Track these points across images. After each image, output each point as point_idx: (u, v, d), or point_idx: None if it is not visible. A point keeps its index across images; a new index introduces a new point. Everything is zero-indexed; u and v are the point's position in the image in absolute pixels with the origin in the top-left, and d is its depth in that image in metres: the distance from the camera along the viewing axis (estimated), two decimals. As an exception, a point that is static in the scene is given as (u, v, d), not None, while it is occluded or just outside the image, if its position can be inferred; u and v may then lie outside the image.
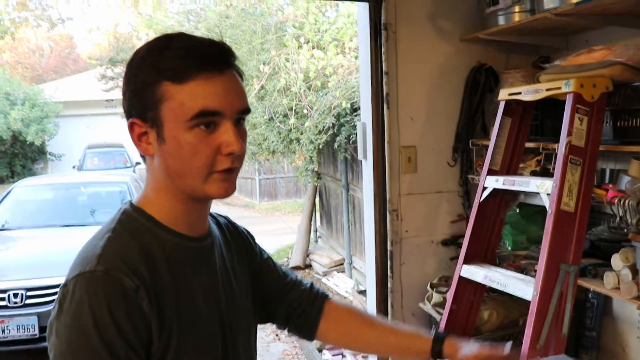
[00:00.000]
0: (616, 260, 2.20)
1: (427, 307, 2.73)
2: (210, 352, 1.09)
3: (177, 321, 1.03)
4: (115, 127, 16.24)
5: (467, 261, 2.42)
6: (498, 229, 2.53)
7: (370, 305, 3.05)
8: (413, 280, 2.94)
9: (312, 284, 1.41)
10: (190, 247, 1.09)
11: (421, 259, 2.98)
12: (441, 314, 2.50)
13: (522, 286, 2.09)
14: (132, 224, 1.06)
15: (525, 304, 2.14)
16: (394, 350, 1.38)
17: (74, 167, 14.82)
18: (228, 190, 1.05)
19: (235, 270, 1.22)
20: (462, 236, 2.70)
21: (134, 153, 14.68)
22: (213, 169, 1.02)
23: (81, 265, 0.99)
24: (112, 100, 16.17)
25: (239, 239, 1.29)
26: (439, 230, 3.02)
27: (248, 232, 1.35)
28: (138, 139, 1.05)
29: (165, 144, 1.01)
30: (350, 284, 6.35)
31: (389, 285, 2.89)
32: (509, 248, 2.81)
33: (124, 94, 1.06)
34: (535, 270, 2.12)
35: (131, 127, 1.05)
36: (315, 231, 8.69)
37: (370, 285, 3.03)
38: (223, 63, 1.03)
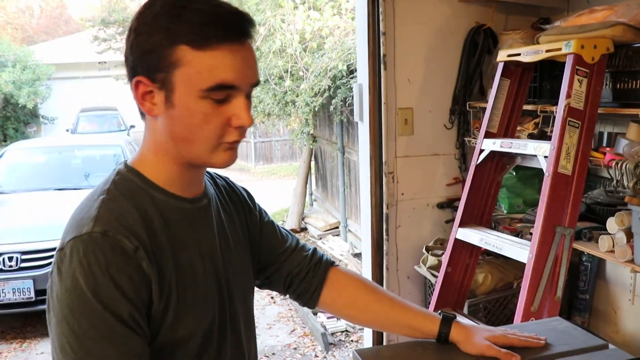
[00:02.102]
0: (611, 224, 2.20)
1: (423, 270, 2.73)
2: (207, 312, 1.09)
3: (176, 282, 1.02)
4: (109, 90, 16.10)
5: (463, 224, 2.41)
6: (494, 192, 2.52)
7: (365, 268, 3.06)
8: (408, 243, 2.95)
9: (315, 249, 1.37)
10: (185, 209, 1.08)
11: (417, 221, 2.98)
12: (436, 277, 2.51)
13: (517, 249, 2.09)
14: (126, 185, 1.04)
15: (520, 266, 2.15)
16: (399, 328, 1.31)
17: (67, 130, 14.69)
18: (232, 160, 1.04)
19: (233, 231, 1.20)
20: (458, 199, 2.70)
21: (128, 116, 14.60)
22: (221, 140, 1.00)
23: (77, 228, 0.97)
24: (105, 62, 15.96)
25: (236, 200, 1.26)
26: (435, 193, 3.01)
27: (247, 192, 1.32)
28: (142, 97, 1.01)
29: (174, 109, 0.99)
30: (346, 247, 6.38)
31: (385, 248, 2.90)
32: (505, 211, 2.81)
33: (131, 50, 1.00)
34: (531, 233, 2.12)
35: (136, 85, 1.00)
36: (311, 194, 8.70)
37: (366, 248, 3.04)
38: (245, 33, 0.99)
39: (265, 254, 1.30)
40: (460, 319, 1.27)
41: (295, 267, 1.32)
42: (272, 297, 5.50)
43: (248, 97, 1.02)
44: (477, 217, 2.46)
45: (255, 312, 4.39)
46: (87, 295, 0.91)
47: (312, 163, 8.36)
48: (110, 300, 0.92)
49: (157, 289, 0.98)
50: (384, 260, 2.89)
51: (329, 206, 7.77)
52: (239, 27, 0.98)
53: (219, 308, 1.11)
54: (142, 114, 1.05)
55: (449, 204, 2.98)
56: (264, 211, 1.35)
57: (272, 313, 5.14)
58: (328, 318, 4.51)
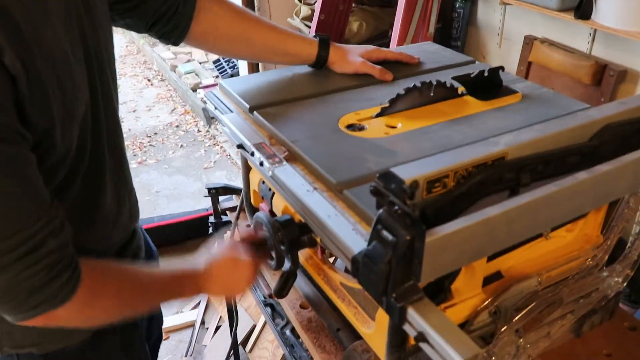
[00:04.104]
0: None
1: (296, 22, 2.62)
2: (82, 100, 0.84)
3: (48, 74, 0.75)
4: None
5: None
6: None
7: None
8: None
9: None
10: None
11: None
12: (310, 27, 2.41)
13: (390, -15, 2.00)
14: None
15: (395, 14, 2.08)
16: (277, 56, 1.21)
17: None
18: None
19: None
20: (331, -55, 2.51)
21: None
22: None
23: None
24: None
25: None
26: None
27: None
28: None
29: None
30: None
31: (256, 4, 2.72)
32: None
33: None
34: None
35: None
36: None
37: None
38: None
39: None
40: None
41: (162, 3, 1.06)
42: (148, 80, 5.27)
43: None
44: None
45: (133, 95, 4.18)
46: None
47: None
48: None
49: (29, 93, 0.72)
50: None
51: None
52: None
53: (90, 89, 0.87)
54: None
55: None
56: None
57: (150, 95, 4.95)
58: (206, 90, 4.40)
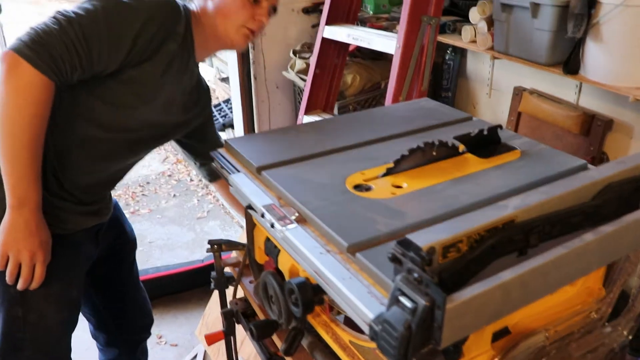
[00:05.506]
0: (474, 14, 2.22)
1: (291, 75, 2.67)
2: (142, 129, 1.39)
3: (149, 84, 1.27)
4: None
5: (329, 22, 2.33)
6: (360, -10, 2.43)
7: (232, 81, 2.95)
8: (275, 52, 2.85)
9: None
10: (185, 56, 1.30)
11: (283, 28, 2.86)
12: (305, 81, 2.46)
13: (385, 41, 2.06)
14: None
15: (387, 67, 2.14)
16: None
17: None
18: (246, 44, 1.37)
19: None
20: (324, 3, 2.59)
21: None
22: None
23: None
24: None
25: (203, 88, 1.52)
26: (300, -3, 2.88)
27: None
28: None
29: None
30: (212, 72, 6.16)
31: (251, 57, 2.78)
32: (371, 12, 2.76)
33: None
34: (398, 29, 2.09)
35: None
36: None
37: (232, 63, 2.91)
38: None
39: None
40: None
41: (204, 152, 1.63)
42: (139, 129, 5.30)
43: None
44: (344, 16, 2.38)
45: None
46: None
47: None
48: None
49: (136, 57, 1.20)
50: (251, 70, 2.79)
51: (192, 33, 7.36)
52: None
53: (144, 145, 1.47)
54: None
55: (315, 9, 2.87)
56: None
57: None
58: (200, 142, 4.44)
